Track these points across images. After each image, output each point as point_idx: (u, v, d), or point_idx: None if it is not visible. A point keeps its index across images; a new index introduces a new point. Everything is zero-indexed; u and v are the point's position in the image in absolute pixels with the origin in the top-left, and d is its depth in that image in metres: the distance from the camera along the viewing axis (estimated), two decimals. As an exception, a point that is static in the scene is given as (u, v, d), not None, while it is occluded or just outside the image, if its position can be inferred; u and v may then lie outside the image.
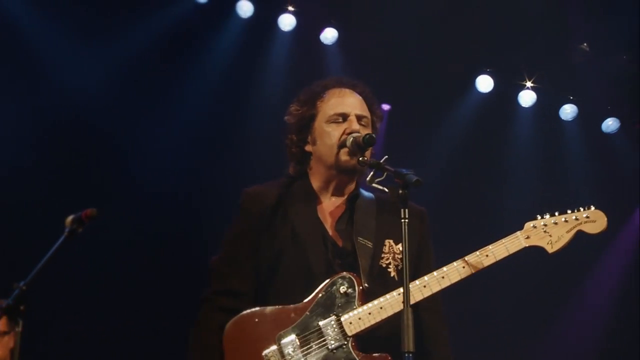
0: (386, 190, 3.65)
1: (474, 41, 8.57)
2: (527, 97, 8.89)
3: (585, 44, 8.51)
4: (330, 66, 8.35)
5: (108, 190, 7.67)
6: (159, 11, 7.92)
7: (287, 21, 8.26)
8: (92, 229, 3.35)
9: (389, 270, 3.92)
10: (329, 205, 4.06)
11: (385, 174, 3.73)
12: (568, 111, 8.99)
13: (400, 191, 3.52)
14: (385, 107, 8.51)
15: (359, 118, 4.00)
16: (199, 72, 8.14)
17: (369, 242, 3.92)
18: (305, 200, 4.03)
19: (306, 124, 4.10)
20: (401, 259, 3.85)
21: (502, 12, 8.09)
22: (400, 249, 3.88)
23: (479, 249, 3.87)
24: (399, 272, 3.88)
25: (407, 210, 3.48)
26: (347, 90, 4.11)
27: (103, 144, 7.85)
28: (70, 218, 3.31)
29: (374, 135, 3.90)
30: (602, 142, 9.12)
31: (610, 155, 9.16)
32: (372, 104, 4.15)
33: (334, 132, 3.99)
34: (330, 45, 8.42)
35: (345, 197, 4.07)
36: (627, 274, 9.13)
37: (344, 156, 3.97)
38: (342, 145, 3.96)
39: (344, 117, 4.00)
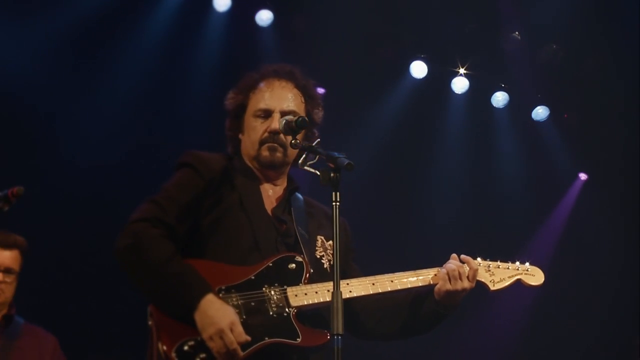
0: (318, 173, 3.64)
1: (408, 26, 8.64)
2: (459, 84, 8.99)
3: (516, 32, 8.65)
4: (265, 48, 8.34)
5: (38, 167, 7.53)
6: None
7: (222, 2, 8.21)
8: (19, 207, 3.30)
9: (322, 261, 3.94)
10: (267, 188, 4.04)
11: (317, 157, 3.73)
12: (499, 98, 9.13)
13: (332, 174, 3.55)
14: (319, 90, 8.49)
15: (285, 113, 3.94)
16: (133, 49, 8.01)
17: (306, 234, 3.94)
18: (249, 176, 4.00)
19: (239, 113, 4.08)
20: (332, 254, 3.75)
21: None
22: (331, 244, 3.94)
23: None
24: (331, 266, 3.85)
25: (338, 193, 3.50)
26: (279, 83, 4.05)
27: (33, 119, 7.70)
28: (-4, 196, 3.26)
29: (306, 118, 3.87)
30: (532, 129, 9.29)
31: (540, 142, 9.34)
32: (310, 95, 4.13)
33: (258, 128, 3.98)
34: (265, 27, 8.39)
35: (285, 186, 4.08)
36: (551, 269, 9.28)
37: (264, 152, 3.96)
38: (262, 142, 3.96)
39: (268, 113, 3.98)
